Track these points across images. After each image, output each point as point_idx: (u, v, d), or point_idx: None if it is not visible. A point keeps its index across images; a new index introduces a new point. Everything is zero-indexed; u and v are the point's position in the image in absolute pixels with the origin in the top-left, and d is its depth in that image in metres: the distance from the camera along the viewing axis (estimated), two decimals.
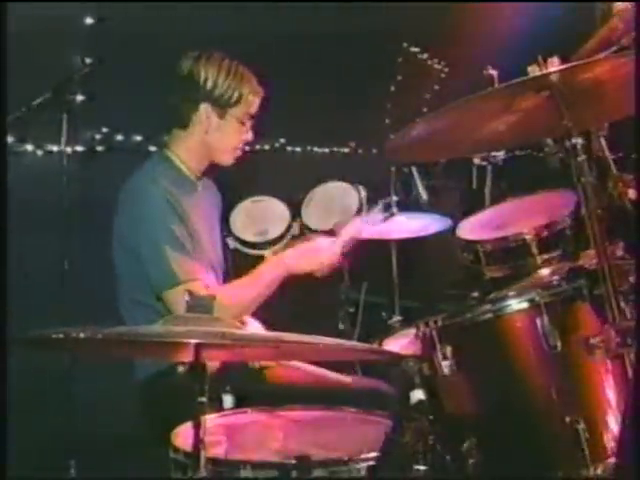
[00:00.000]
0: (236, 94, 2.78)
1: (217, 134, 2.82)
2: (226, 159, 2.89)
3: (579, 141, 1.88)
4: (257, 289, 2.76)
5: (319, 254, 2.83)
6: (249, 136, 2.88)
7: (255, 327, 2.89)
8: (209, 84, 2.77)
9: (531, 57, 2.41)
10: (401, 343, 2.80)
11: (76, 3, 3.49)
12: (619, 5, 2.46)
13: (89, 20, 3.48)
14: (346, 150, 4.69)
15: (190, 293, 1.92)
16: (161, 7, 3.87)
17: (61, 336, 1.77)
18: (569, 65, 1.90)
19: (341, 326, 3.90)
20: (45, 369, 3.16)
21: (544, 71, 1.91)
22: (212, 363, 1.86)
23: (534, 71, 2.00)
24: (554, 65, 2.00)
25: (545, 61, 2.05)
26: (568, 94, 1.92)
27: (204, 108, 2.79)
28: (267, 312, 3.00)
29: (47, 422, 3.43)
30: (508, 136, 2.13)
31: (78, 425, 3.19)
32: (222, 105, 2.78)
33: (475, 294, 3.11)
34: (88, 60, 3.38)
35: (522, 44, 3.45)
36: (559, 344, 2.12)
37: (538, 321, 2.14)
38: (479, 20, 4.37)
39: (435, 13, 4.27)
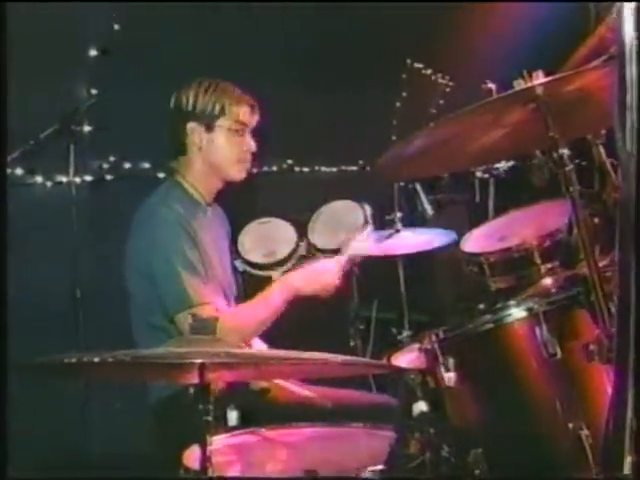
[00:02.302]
0: (217, 106, 2.85)
1: (211, 148, 2.88)
2: (234, 173, 2.93)
3: (566, 152, 1.91)
4: (264, 312, 2.79)
5: (324, 275, 2.85)
6: (252, 146, 2.92)
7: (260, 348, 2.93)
8: (190, 105, 2.86)
9: (534, 68, 2.46)
10: (409, 357, 2.83)
11: (80, 36, 3.57)
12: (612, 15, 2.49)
13: (94, 52, 3.56)
14: (354, 168, 4.73)
15: (193, 316, 1.97)
16: (164, 36, 3.95)
17: (73, 361, 1.83)
18: (552, 78, 1.94)
19: (352, 343, 3.94)
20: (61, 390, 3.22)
21: (529, 84, 1.95)
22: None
23: (520, 85, 2.03)
24: (539, 78, 2.03)
25: (530, 75, 2.08)
26: (554, 106, 1.96)
27: (191, 127, 2.87)
28: (277, 331, 3.03)
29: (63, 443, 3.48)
30: (498, 149, 2.17)
31: (93, 445, 3.24)
32: (207, 120, 2.86)
33: (482, 306, 3.14)
34: (94, 91, 3.46)
35: (525, 57, 3.49)
36: (559, 351, 2.15)
37: (537, 329, 2.17)
38: (482, 33, 4.42)
39: (438, 27, 4.32)
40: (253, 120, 2.93)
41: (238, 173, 2.94)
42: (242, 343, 2.71)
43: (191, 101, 2.86)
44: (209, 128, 2.86)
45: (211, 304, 2.69)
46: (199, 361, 1.79)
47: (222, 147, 2.89)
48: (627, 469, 1.39)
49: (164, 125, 2.96)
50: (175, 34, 3.97)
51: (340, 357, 1.89)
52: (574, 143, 2.21)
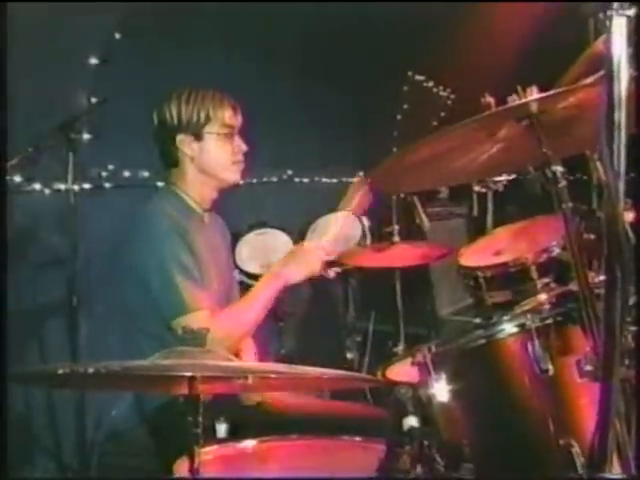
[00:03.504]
0: (202, 114, 2.86)
1: (204, 156, 2.89)
2: (228, 176, 2.94)
3: (559, 168, 1.91)
4: (255, 309, 2.79)
5: (309, 258, 2.84)
6: (242, 146, 2.93)
7: (252, 354, 2.93)
8: (175, 118, 2.87)
9: (533, 82, 2.46)
10: (404, 370, 2.82)
11: (80, 44, 3.58)
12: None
13: (94, 60, 3.57)
14: (354, 180, 4.72)
15: (184, 327, 1.97)
16: (165, 45, 3.96)
17: (66, 371, 1.83)
18: (546, 94, 1.94)
19: (349, 355, 3.94)
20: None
21: (523, 100, 1.95)
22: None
23: (514, 100, 2.03)
24: (533, 94, 2.03)
25: (525, 90, 2.08)
26: (548, 122, 1.96)
27: (180, 140, 2.88)
28: (274, 343, 3.04)
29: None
30: (493, 164, 2.17)
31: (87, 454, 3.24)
32: (194, 129, 2.87)
33: (478, 320, 3.14)
34: (93, 99, 3.47)
35: (526, 71, 3.50)
36: (551, 367, 2.14)
37: (529, 345, 2.16)
38: (483, 47, 4.43)
39: (441, 41, 4.33)
40: (238, 121, 2.95)
41: (233, 175, 2.95)
42: (237, 342, 2.73)
43: (175, 114, 2.87)
44: (198, 137, 2.87)
45: (207, 310, 2.69)
46: (189, 374, 1.79)
47: (214, 153, 2.89)
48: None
49: None
50: (175, 43, 3.98)
51: (332, 372, 1.89)
52: (572, 158, 2.21)
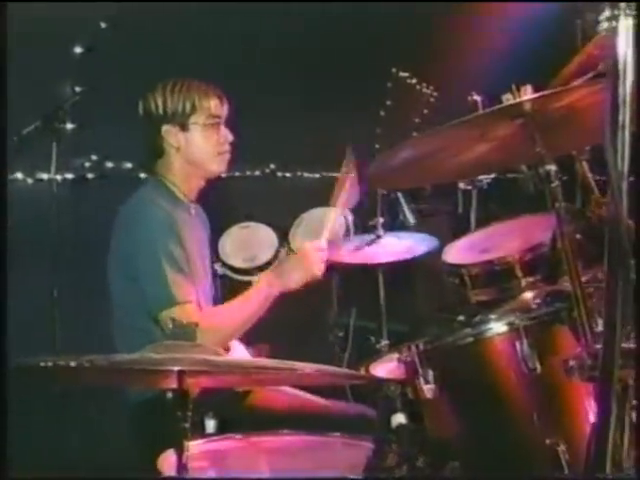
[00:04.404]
0: (188, 104, 2.84)
1: (190, 146, 2.87)
2: (214, 166, 2.92)
3: (552, 168, 1.91)
4: (248, 312, 2.73)
5: (310, 262, 2.77)
6: (228, 136, 2.91)
7: (240, 351, 2.91)
8: (160, 109, 2.85)
9: (518, 81, 2.46)
10: (388, 367, 2.82)
11: (65, 32, 3.53)
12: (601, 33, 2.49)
13: (78, 49, 3.53)
14: (337, 175, 4.71)
15: (173, 321, 1.95)
16: (151, 35, 3.93)
17: (49, 365, 1.80)
18: (542, 94, 1.94)
19: (331, 351, 3.93)
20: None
21: (517, 99, 1.95)
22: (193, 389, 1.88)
23: (508, 99, 2.03)
24: (527, 93, 2.03)
25: (519, 89, 2.09)
26: (542, 121, 1.96)
27: (165, 130, 2.86)
28: (257, 338, 3.02)
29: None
30: (485, 163, 2.17)
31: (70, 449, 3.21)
32: (180, 120, 2.84)
33: (462, 318, 3.14)
34: (78, 89, 3.42)
35: (509, 70, 3.50)
36: (538, 366, 2.15)
37: (517, 344, 2.17)
38: (468, 45, 4.43)
39: (425, 38, 4.32)
40: (224, 111, 2.92)
41: (219, 166, 2.93)
42: (224, 342, 2.70)
43: (160, 104, 2.85)
44: (184, 127, 2.85)
45: (194, 303, 2.67)
46: (177, 369, 1.77)
47: (200, 144, 2.87)
48: None
49: None
50: (161, 33, 3.95)
51: (321, 367, 1.88)
52: (557, 158, 2.22)
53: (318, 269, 2.77)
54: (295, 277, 2.75)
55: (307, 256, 2.78)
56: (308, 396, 2.75)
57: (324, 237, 2.84)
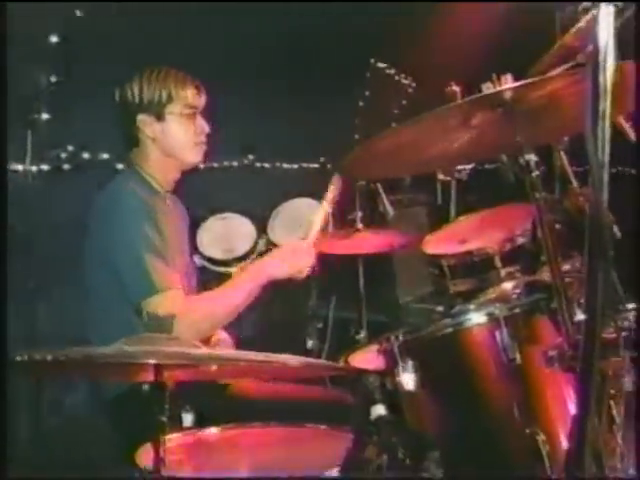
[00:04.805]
0: (164, 93, 2.81)
1: (165, 137, 2.84)
2: (190, 157, 2.88)
3: (532, 157, 1.91)
4: (235, 299, 2.68)
5: (298, 257, 2.75)
6: (205, 127, 2.88)
7: (223, 338, 2.89)
8: (136, 97, 2.81)
9: (497, 71, 2.45)
10: (367, 358, 2.81)
11: (40, 21, 3.49)
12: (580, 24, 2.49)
13: (54, 38, 3.49)
14: (315, 166, 4.70)
15: (148, 313, 1.94)
16: (128, 24, 3.89)
17: (25, 359, 1.77)
18: (522, 83, 1.93)
19: (309, 342, 3.92)
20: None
21: (497, 89, 1.94)
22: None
23: (489, 88, 2.02)
24: (507, 82, 2.02)
25: (499, 78, 2.08)
26: (522, 111, 1.95)
27: (141, 119, 2.82)
28: (235, 329, 3.00)
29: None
30: (464, 153, 2.16)
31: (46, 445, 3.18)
32: (155, 109, 2.81)
33: (440, 308, 3.14)
34: (53, 78, 3.39)
35: (487, 60, 3.50)
36: (518, 356, 2.15)
37: (497, 334, 2.17)
38: (446, 35, 4.43)
39: (403, 26, 4.31)
40: (201, 101, 2.89)
41: (195, 156, 2.89)
42: (205, 333, 2.67)
43: (136, 93, 2.81)
44: (159, 117, 2.82)
45: (176, 289, 2.61)
46: (153, 362, 1.75)
47: (176, 134, 2.84)
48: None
49: None
50: (138, 22, 3.91)
51: (300, 359, 1.87)
52: (535, 148, 2.21)
53: (306, 265, 2.75)
54: (281, 270, 2.73)
55: (298, 250, 2.76)
56: (286, 384, 2.73)
57: (313, 234, 2.83)
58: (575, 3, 2.56)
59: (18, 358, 1.75)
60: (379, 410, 2.15)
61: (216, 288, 2.77)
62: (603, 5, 1.21)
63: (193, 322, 2.53)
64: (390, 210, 3.65)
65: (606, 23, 1.24)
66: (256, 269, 2.77)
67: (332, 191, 2.91)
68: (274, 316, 3.91)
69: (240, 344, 3.01)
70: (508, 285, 2.74)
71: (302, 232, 3.08)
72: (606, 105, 1.24)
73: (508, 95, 1.91)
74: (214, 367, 1.87)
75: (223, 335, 2.97)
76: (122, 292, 2.63)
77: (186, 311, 2.54)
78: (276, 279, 2.72)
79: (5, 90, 2.81)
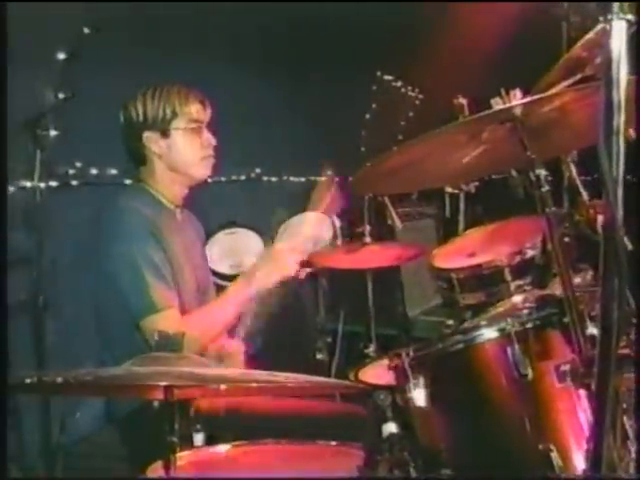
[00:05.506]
0: (168, 110, 2.82)
1: (171, 152, 2.85)
2: (198, 172, 2.89)
3: (542, 172, 1.90)
4: (226, 312, 2.76)
5: (281, 260, 2.79)
6: (211, 140, 2.88)
7: (236, 346, 2.89)
8: (140, 115, 2.83)
9: (503, 83, 2.44)
10: (378, 373, 2.80)
11: (48, 38, 3.49)
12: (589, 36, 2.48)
13: (62, 55, 3.48)
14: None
15: (159, 332, 1.92)
16: (135, 40, 3.90)
17: (34, 381, 1.77)
18: (532, 98, 1.92)
19: (319, 356, 3.90)
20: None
21: (507, 105, 1.93)
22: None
23: (497, 104, 2.02)
24: (516, 97, 2.01)
25: (508, 93, 2.07)
26: (531, 126, 1.94)
27: (146, 137, 2.84)
28: (245, 344, 2.99)
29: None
30: (474, 168, 2.15)
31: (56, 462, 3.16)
32: (160, 125, 2.82)
33: (450, 322, 3.13)
34: (61, 95, 3.38)
35: (494, 72, 3.49)
36: (530, 372, 2.13)
37: (509, 350, 2.15)
38: (453, 48, 4.43)
39: (410, 40, 4.31)
40: (207, 115, 2.90)
41: (203, 171, 2.90)
42: (204, 346, 2.69)
43: (140, 111, 2.83)
44: (165, 134, 2.83)
45: (175, 308, 2.65)
46: (164, 384, 1.74)
47: (182, 149, 2.85)
48: None
49: None
50: (145, 38, 3.92)
51: (310, 378, 1.86)
52: (544, 160, 2.20)
53: (290, 268, 2.78)
54: (269, 276, 2.75)
55: (278, 254, 2.80)
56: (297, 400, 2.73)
57: (300, 238, 2.85)
58: (581, 13, 2.55)
59: (28, 380, 1.74)
60: (391, 428, 2.14)
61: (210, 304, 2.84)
62: (616, 19, 1.20)
63: (194, 339, 2.54)
64: (398, 223, 3.65)
65: (619, 36, 1.22)
66: (244, 279, 2.80)
67: (324, 198, 2.92)
68: (283, 330, 3.89)
69: (254, 354, 3.03)
70: (518, 298, 2.72)
71: (310, 246, 3.09)
72: (620, 120, 1.23)
73: (518, 110, 1.90)
74: (223, 387, 1.86)
75: (235, 344, 2.97)
76: (123, 309, 2.67)
77: (185, 328, 2.55)
78: (265, 286, 2.76)
79: (5, 90, 2.81)
